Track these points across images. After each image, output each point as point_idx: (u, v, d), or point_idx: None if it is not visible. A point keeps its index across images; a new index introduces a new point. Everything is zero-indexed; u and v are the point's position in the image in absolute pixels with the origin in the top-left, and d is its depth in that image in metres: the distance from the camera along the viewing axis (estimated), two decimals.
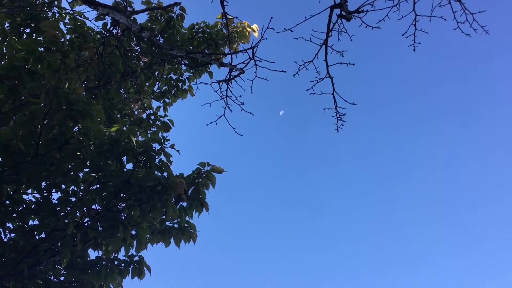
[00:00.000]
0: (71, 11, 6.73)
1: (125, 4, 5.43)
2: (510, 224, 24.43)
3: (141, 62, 8.08)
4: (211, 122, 4.94)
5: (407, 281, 24.09)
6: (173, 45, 7.56)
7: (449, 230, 25.44)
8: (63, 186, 4.52)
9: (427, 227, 25.81)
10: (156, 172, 4.55)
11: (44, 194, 4.44)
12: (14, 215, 4.43)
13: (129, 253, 4.63)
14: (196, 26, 8.32)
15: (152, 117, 7.73)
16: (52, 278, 4.56)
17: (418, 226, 25.80)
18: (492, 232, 25.02)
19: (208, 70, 8.53)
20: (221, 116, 4.91)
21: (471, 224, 25.67)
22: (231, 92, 4.83)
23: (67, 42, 4.47)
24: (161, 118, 7.78)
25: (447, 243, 25.17)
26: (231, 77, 4.66)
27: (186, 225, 5.06)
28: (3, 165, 4.05)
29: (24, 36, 6.48)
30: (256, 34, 8.32)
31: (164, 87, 8.70)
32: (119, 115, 7.28)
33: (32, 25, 6.43)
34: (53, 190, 4.51)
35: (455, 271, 24.66)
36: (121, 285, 4.84)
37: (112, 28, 4.14)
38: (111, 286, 4.79)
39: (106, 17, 6.41)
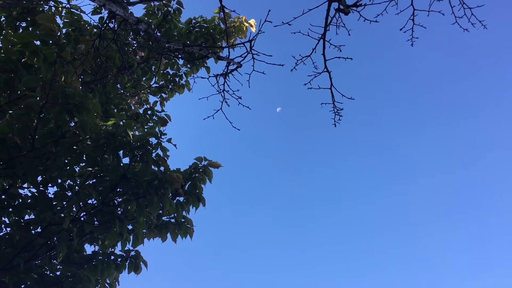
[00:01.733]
0: (68, 5, 6.68)
1: None
2: (509, 224, 24.53)
3: (137, 56, 8.03)
4: (208, 117, 4.94)
5: (405, 281, 24.16)
6: (170, 40, 7.52)
7: (449, 230, 25.52)
8: (59, 180, 4.50)
9: (427, 227, 25.89)
10: (153, 167, 4.52)
11: (40, 188, 4.42)
12: (10, 209, 4.41)
13: (126, 248, 4.62)
14: (194, 21, 8.28)
15: (149, 112, 7.70)
16: (48, 272, 4.54)
17: (417, 226, 25.88)
18: (492, 232, 25.11)
19: (205, 65, 8.50)
20: (218, 110, 4.90)
21: (471, 224, 25.75)
22: (228, 86, 4.82)
23: (63, 36, 4.43)
24: (158, 113, 7.75)
25: (447, 243, 25.25)
26: (229, 71, 4.64)
27: (183, 220, 5.05)
28: None
29: (20, 30, 6.43)
30: (253, 29, 8.28)
31: (161, 82, 8.66)
32: (115, 110, 7.25)
33: (29, 18, 6.38)
34: (49, 184, 4.50)
35: (454, 271, 24.75)
36: (117, 280, 4.83)
37: (108, 21, 4.10)
38: (108, 281, 4.78)
39: (103, 10, 6.36)
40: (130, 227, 4.57)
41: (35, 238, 4.27)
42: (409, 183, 26.86)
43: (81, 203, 4.40)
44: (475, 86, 24.18)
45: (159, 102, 8.79)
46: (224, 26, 7.75)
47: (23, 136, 4.05)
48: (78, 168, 4.66)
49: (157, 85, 8.63)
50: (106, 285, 4.79)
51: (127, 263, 4.67)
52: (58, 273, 4.58)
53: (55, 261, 4.47)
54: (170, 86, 8.68)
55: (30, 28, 6.39)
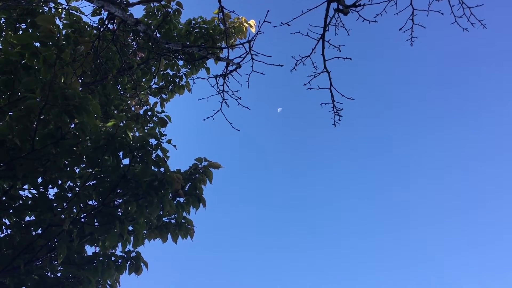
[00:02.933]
0: (67, 7, 6.68)
1: None
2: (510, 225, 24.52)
3: (137, 57, 8.03)
4: (208, 117, 4.94)
5: (406, 282, 24.15)
6: (170, 40, 7.52)
7: (448, 232, 25.50)
8: (59, 181, 4.50)
9: (426, 229, 25.87)
10: (153, 168, 4.53)
11: (40, 189, 4.42)
12: (10, 211, 4.41)
13: (126, 249, 4.62)
14: (193, 22, 8.28)
15: (149, 113, 7.68)
16: (48, 274, 4.54)
17: (417, 228, 25.86)
18: (492, 232, 25.09)
19: (205, 66, 8.50)
20: (218, 111, 4.90)
21: (470, 225, 25.73)
22: (228, 87, 4.82)
23: (63, 37, 4.43)
24: (158, 114, 7.73)
25: (446, 244, 25.23)
26: (228, 72, 4.64)
27: (183, 220, 5.05)
28: None
29: (20, 32, 6.43)
30: (253, 30, 8.28)
31: (161, 83, 8.66)
32: (116, 111, 7.24)
33: (28, 20, 6.38)
34: (50, 186, 4.49)
35: (452, 272, 24.72)
36: (118, 281, 4.83)
37: (107, 22, 4.10)
38: (108, 282, 4.77)
39: (102, 11, 6.37)
40: (130, 228, 4.57)
41: (36, 240, 4.26)
42: (409, 183, 26.85)
43: (81, 204, 4.41)
44: (475, 85, 24.17)
45: (159, 103, 8.79)
46: (223, 26, 7.75)
47: (23, 138, 4.05)
48: (78, 169, 4.66)
49: (157, 86, 8.63)
50: (107, 286, 4.79)
51: (127, 264, 4.67)
52: (58, 274, 4.58)
53: (55, 262, 4.48)
54: (170, 87, 8.68)
55: (30, 30, 6.39)
